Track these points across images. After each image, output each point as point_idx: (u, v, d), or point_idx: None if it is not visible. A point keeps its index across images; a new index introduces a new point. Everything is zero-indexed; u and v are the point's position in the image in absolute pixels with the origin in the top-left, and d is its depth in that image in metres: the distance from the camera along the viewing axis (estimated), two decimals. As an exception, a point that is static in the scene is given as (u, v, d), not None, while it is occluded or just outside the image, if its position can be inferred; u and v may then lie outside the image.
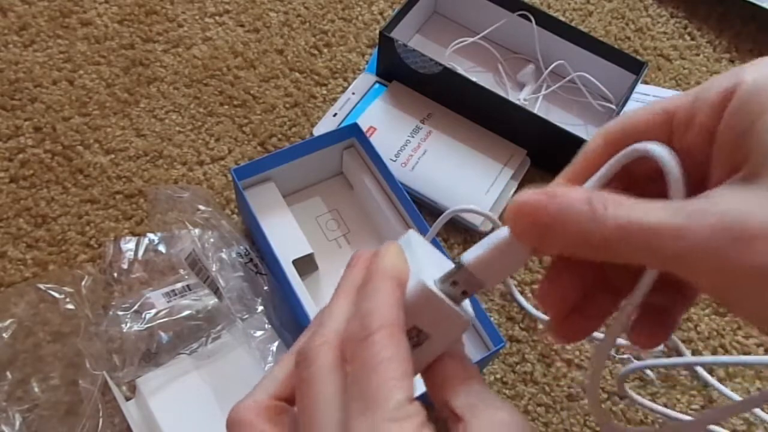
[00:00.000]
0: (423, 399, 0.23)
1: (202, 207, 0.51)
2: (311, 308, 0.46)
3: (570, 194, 0.21)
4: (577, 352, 0.52)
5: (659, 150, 0.21)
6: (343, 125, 0.59)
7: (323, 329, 0.24)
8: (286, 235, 0.50)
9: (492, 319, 0.53)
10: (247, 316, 0.47)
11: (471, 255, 0.25)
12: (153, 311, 0.47)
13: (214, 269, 0.48)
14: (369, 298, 0.23)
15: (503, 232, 0.24)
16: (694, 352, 0.53)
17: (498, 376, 0.51)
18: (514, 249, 0.24)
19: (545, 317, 0.53)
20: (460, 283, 0.25)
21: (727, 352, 0.53)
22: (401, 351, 0.22)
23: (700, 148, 0.22)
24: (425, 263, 0.26)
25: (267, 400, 0.25)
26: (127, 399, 0.46)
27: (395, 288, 0.24)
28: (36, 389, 0.45)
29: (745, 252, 0.18)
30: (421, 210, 0.51)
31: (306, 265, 0.51)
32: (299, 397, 0.24)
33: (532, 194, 0.22)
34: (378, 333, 0.22)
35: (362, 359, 0.22)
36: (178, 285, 0.49)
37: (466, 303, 0.26)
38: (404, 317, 0.24)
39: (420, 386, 0.26)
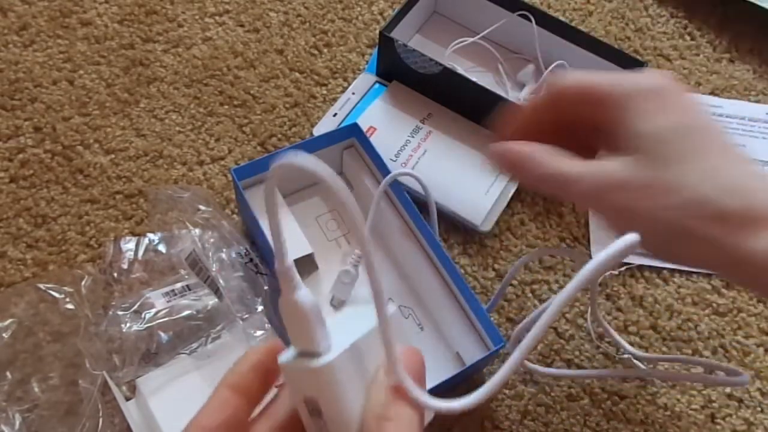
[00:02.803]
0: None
1: (202, 207, 0.51)
2: None
3: (524, 148, 0.35)
4: (577, 352, 0.52)
5: None
6: (343, 125, 0.59)
7: (200, 413, 0.27)
8: (286, 235, 0.50)
9: (492, 319, 0.53)
10: (247, 315, 0.47)
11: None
12: (153, 311, 0.47)
13: (214, 269, 0.48)
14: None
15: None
16: (694, 352, 0.53)
17: (498, 376, 0.51)
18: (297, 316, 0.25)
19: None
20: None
21: (727, 351, 0.53)
22: None
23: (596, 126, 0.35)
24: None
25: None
26: (127, 399, 0.46)
27: (222, 392, 0.27)
28: (36, 389, 0.45)
29: (609, 197, 0.32)
30: (421, 210, 0.52)
31: (306, 265, 0.51)
32: None
33: (506, 146, 0.36)
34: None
35: None
36: (178, 285, 0.49)
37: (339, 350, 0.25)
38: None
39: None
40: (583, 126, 0.36)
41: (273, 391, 0.28)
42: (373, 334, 0.25)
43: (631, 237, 0.26)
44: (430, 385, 0.28)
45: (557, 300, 0.25)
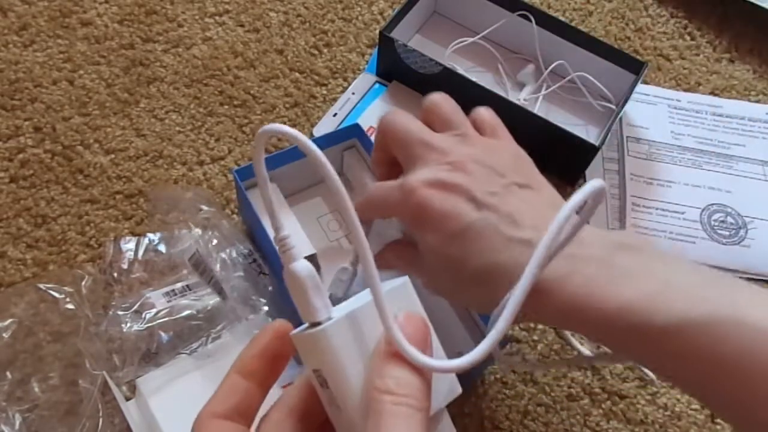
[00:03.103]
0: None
1: (204, 207, 0.51)
2: None
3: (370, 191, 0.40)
4: (576, 352, 0.52)
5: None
6: (343, 125, 0.59)
7: (211, 401, 0.27)
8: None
9: (492, 319, 0.53)
10: (252, 316, 0.47)
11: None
12: (153, 311, 0.47)
13: (217, 269, 0.48)
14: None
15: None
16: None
17: (498, 376, 0.51)
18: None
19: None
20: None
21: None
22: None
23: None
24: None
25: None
26: (127, 399, 0.46)
27: (232, 378, 0.28)
28: (36, 389, 0.45)
29: (407, 199, 0.36)
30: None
31: None
32: None
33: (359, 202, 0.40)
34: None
35: None
36: (178, 285, 0.49)
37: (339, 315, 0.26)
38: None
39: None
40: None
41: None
42: (372, 306, 0.25)
43: (598, 182, 0.27)
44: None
45: (541, 246, 0.28)
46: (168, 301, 0.48)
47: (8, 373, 0.45)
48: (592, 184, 0.27)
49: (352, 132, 0.54)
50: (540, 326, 0.53)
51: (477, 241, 0.33)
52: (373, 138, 0.57)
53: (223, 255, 0.49)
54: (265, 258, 0.51)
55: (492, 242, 0.33)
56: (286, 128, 0.25)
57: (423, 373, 0.25)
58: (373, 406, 0.24)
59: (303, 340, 0.26)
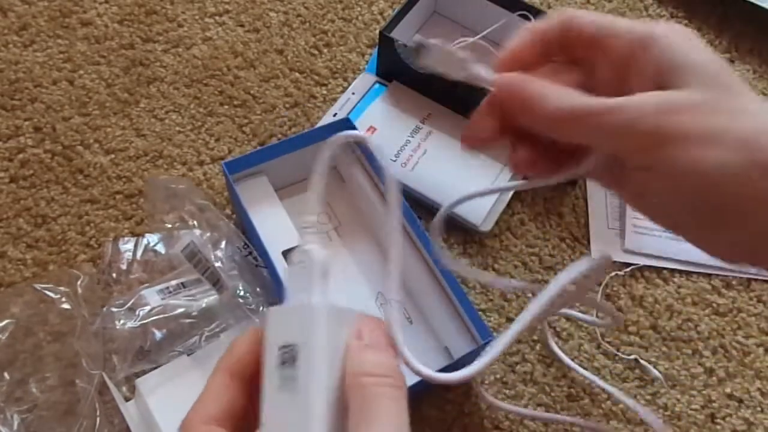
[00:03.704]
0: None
1: (199, 201, 0.52)
2: None
3: (534, 83, 0.30)
4: (576, 353, 0.52)
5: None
6: (342, 125, 0.59)
7: (198, 404, 0.27)
8: (276, 227, 0.51)
9: (492, 319, 0.53)
10: (253, 306, 0.48)
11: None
12: (147, 308, 0.47)
13: (213, 260, 0.48)
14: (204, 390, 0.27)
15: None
16: (694, 353, 0.53)
17: (498, 376, 0.51)
18: None
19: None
20: None
21: (727, 351, 0.53)
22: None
23: (615, 70, 0.30)
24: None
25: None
26: (127, 400, 0.46)
27: (221, 378, 0.27)
28: (34, 390, 0.45)
29: (675, 119, 0.26)
30: (421, 210, 0.52)
31: None
32: None
33: (513, 76, 0.31)
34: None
35: None
36: (173, 282, 0.49)
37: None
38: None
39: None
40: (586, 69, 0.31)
41: None
42: (350, 314, 0.26)
43: (602, 258, 0.28)
44: (416, 379, 0.29)
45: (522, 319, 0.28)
46: (162, 299, 0.48)
47: (6, 374, 0.45)
48: (596, 261, 0.27)
49: (344, 126, 0.54)
50: (539, 327, 0.53)
51: None
52: (373, 138, 0.58)
53: (221, 247, 0.49)
54: (257, 250, 0.51)
55: None
56: (358, 134, 0.26)
57: (395, 357, 0.26)
58: (356, 392, 0.24)
59: (288, 312, 0.26)
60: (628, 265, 0.56)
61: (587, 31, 0.30)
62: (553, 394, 0.51)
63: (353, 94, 0.61)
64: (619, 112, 0.27)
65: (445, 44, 0.29)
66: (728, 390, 0.52)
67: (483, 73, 0.29)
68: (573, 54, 0.31)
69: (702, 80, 0.27)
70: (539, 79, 0.30)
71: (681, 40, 0.28)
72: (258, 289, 0.49)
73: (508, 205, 0.57)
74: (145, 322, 0.47)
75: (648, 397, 0.51)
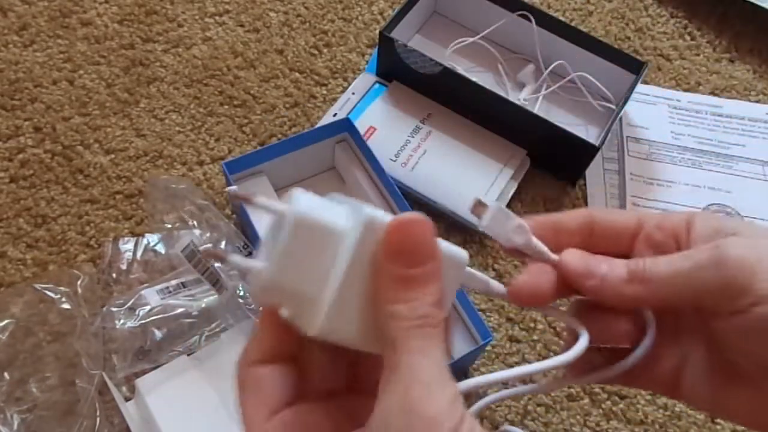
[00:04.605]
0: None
1: (199, 201, 0.52)
2: None
3: (610, 270, 0.28)
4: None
5: None
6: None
7: (248, 348, 0.27)
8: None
9: (492, 319, 0.53)
10: (252, 306, 0.48)
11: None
12: (147, 308, 0.47)
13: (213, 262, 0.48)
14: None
15: None
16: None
17: (498, 376, 0.51)
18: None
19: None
20: None
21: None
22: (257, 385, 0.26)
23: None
24: None
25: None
26: (127, 400, 0.46)
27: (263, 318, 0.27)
28: (34, 390, 0.45)
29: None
30: (421, 210, 0.51)
31: None
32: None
33: (582, 264, 0.28)
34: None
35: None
36: (173, 282, 0.49)
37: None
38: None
39: None
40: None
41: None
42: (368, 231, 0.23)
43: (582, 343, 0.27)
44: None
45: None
46: (162, 299, 0.48)
47: (6, 374, 0.45)
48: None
49: (344, 126, 0.54)
50: (540, 327, 0.53)
51: None
52: (373, 138, 0.58)
53: (221, 246, 0.49)
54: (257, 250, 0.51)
55: None
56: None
57: (432, 286, 0.24)
58: (389, 333, 0.23)
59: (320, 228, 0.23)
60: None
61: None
62: (553, 394, 0.51)
63: (353, 94, 0.61)
64: (717, 268, 0.25)
65: (501, 208, 0.28)
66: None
67: (542, 248, 0.28)
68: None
69: None
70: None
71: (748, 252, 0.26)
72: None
73: (508, 205, 0.57)
74: (145, 321, 0.47)
75: (648, 397, 0.51)
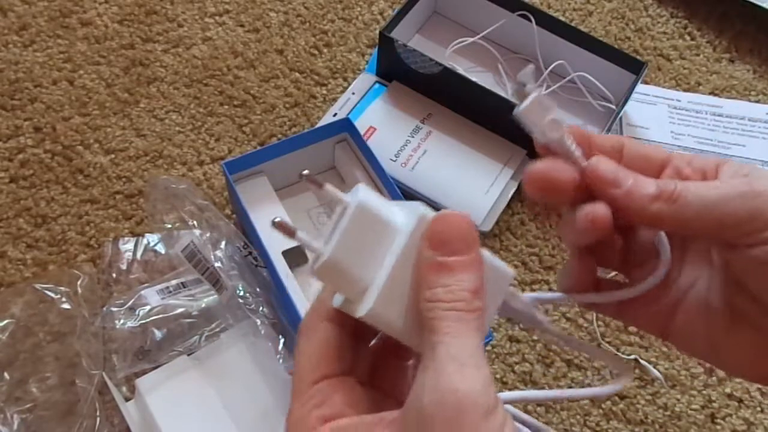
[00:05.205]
0: None
1: (199, 201, 0.52)
2: (299, 298, 0.47)
3: (638, 183, 0.27)
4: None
5: None
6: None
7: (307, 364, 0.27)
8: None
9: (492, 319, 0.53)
10: (252, 306, 0.48)
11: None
12: (147, 308, 0.47)
13: (213, 260, 0.48)
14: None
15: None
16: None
17: (498, 376, 0.51)
18: None
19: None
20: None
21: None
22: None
23: None
24: None
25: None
26: (127, 400, 0.46)
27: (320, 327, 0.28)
28: (34, 390, 0.45)
29: None
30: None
31: (296, 256, 0.51)
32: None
33: (611, 171, 0.27)
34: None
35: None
36: (173, 282, 0.49)
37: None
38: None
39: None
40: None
41: None
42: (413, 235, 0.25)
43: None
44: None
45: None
46: (162, 299, 0.48)
47: (6, 374, 0.45)
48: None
49: (344, 126, 0.54)
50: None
51: None
52: (373, 138, 0.58)
53: (221, 247, 0.49)
54: (257, 250, 0.51)
55: None
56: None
57: (468, 275, 0.25)
58: (427, 316, 0.24)
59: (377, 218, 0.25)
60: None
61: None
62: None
63: (353, 94, 0.61)
64: (747, 198, 0.26)
65: (543, 98, 0.28)
66: (728, 390, 0.52)
67: (574, 147, 0.27)
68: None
69: None
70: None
71: None
72: (258, 289, 0.49)
73: (508, 205, 0.57)
74: (145, 321, 0.47)
75: (648, 397, 0.51)
